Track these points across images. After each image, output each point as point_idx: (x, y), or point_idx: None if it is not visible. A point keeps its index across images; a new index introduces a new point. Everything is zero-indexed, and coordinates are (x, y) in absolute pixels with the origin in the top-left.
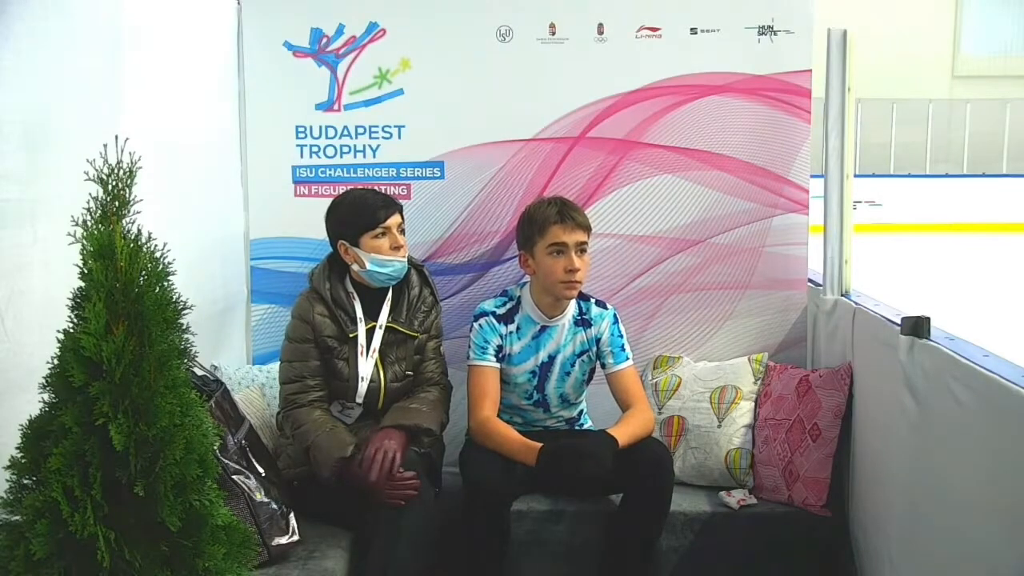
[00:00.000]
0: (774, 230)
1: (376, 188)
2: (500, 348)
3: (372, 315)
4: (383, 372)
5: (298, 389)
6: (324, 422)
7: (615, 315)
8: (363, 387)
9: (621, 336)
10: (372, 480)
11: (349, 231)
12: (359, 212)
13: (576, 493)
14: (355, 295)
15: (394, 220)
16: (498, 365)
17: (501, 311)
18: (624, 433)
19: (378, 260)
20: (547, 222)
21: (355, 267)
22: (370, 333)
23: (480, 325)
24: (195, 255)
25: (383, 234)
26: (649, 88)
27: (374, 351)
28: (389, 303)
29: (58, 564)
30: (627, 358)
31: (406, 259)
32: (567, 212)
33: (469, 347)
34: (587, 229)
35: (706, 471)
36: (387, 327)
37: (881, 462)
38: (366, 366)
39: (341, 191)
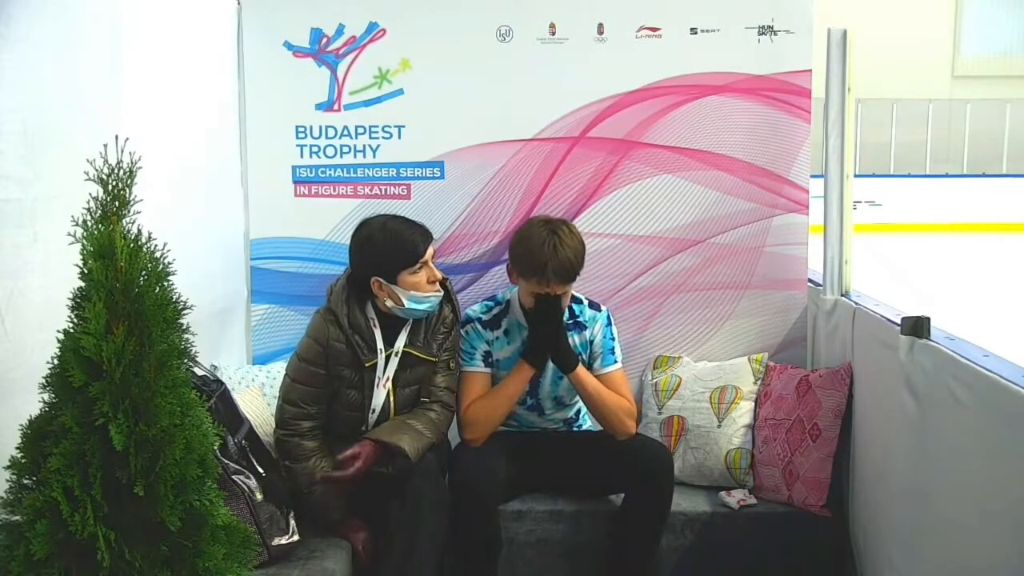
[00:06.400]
0: (774, 230)
1: (401, 216)
2: (488, 354)
3: (389, 341)
4: (394, 401)
5: (294, 415)
6: (315, 469)
7: (608, 316)
8: (372, 419)
9: (613, 339)
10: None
11: (387, 269)
12: (398, 248)
13: (576, 493)
14: (376, 323)
15: (430, 251)
16: (488, 370)
17: (486, 317)
18: (591, 379)
19: (417, 297)
20: (531, 272)
21: (389, 303)
22: (385, 360)
23: (466, 332)
24: (195, 255)
25: (421, 268)
26: (649, 88)
27: (388, 379)
28: (408, 328)
29: (58, 564)
30: (615, 361)
31: (441, 291)
32: (553, 269)
33: (458, 354)
34: (572, 279)
35: (706, 471)
36: (403, 352)
37: (881, 462)
38: (379, 397)
39: (341, 191)
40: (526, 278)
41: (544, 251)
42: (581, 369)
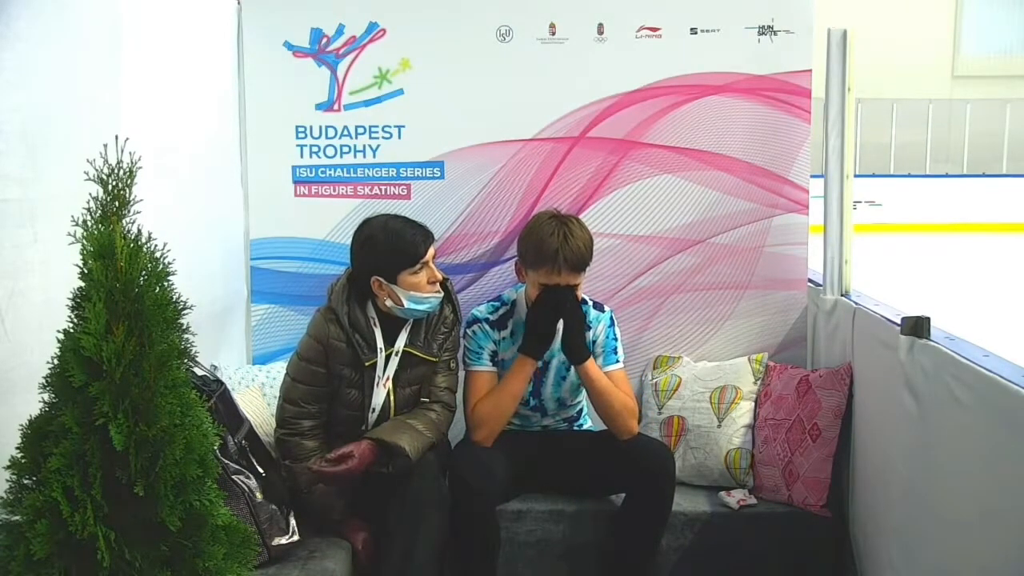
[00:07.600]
0: (774, 230)
1: (403, 216)
2: (495, 354)
3: (389, 341)
4: (394, 401)
5: (295, 414)
6: (314, 474)
7: (611, 317)
8: (372, 418)
9: (616, 339)
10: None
11: (387, 268)
12: (399, 249)
13: (577, 493)
14: (376, 322)
15: (431, 251)
16: (495, 370)
17: (493, 317)
18: (601, 375)
19: (416, 298)
20: (541, 261)
21: (388, 303)
22: (385, 360)
23: (473, 331)
24: (195, 255)
25: (422, 268)
26: (649, 88)
27: (388, 379)
28: (408, 327)
29: (58, 564)
30: (617, 360)
31: (441, 292)
32: (564, 257)
33: (464, 354)
34: (583, 269)
35: (706, 471)
36: (403, 352)
37: (881, 462)
38: (379, 397)
39: (341, 191)
40: (536, 268)
41: (555, 239)
42: (591, 363)
